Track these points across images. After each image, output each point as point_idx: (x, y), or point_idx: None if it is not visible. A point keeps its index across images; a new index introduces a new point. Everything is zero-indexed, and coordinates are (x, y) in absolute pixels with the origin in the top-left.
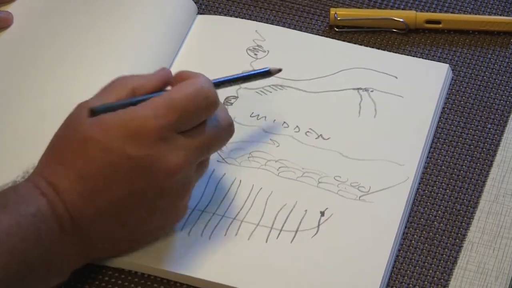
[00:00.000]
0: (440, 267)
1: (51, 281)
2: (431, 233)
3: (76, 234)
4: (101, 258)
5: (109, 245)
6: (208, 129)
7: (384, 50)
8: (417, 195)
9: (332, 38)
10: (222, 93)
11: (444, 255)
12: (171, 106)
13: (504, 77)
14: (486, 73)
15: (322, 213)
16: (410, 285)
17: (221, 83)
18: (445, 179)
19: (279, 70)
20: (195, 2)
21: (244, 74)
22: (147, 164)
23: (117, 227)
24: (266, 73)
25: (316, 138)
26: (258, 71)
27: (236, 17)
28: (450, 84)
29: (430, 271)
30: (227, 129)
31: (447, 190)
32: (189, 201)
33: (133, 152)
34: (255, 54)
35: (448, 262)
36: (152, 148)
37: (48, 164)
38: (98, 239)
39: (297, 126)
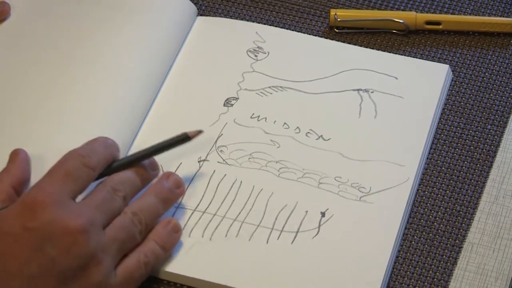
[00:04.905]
0: (440, 268)
1: None
2: (431, 234)
3: None
4: None
5: None
6: (99, 189)
7: (384, 51)
8: (417, 195)
9: (332, 39)
10: (222, 94)
11: (444, 256)
12: (53, 176)
13: (504, 78)
14: (486, 74)
15: (323, 214)
16: (410, 286)
17: (139, 158)
18: (445, 180)
19: (199, 132)
20: (195, 4)
21: (161, 144)
22: (49, 230)
23: None
24: (185, 139)
25: (316, 139)
26: (174, 139)
27: (236, 18)
28: (450, 85)
29: (430, 272)
30: (115, 188)
31: (447, 191)
32: (114, 280)
33: (32, 224)
34: (256, 56)
35: (448, 263)
36: (48, 214)
37: None
38: None
39: (297, 127)
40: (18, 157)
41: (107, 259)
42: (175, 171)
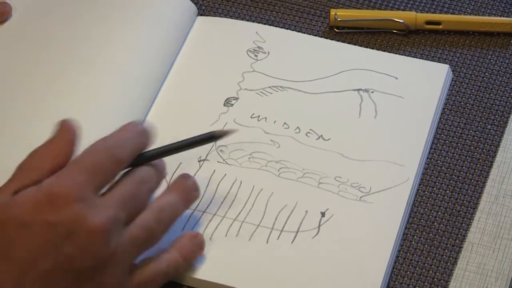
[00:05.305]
0: (440, 268)
1: None
2: (431, 234)
3: None
4: None
5: None
6: (126, 183)
7: (384, 51)
8: (417, 195)
9: (332, 39)
10: (222, 95)
11: (444, 256)
12: (76, 169)
13: (504, 78)
14: (486, 74)
15: (323, 214)
16: (410, 286)
17: (158, 154)
18: (445, 180)
19: (226, 133)
20: (195, 4)
21: (186, 141)
22: (69, 227)
23: None
24: (211, 138)
25: (316, 139)
26: (201, 136)
27: (236, 18)
28: (450, 85)
29: (430, 272)
30: (140, 187)
31: (447, 191)
32: (129, 282)
33: (52, 218)
34: (256, 56)
35: (448, 263)
36: (70, 210)
37: None
38: None
39: (297, 127)
40: (65, 130)
41: (126, 260)
42: (175, 171)
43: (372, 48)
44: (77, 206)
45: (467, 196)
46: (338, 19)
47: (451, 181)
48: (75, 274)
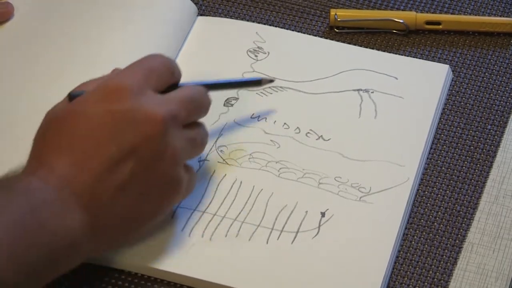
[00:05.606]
0: (440, 268)
1: (60, 264)
2: (431, 234)
3: (77, 203)
4: (105, 245)
5: (112, 220)
6: (184, 89)
7: (384, 51)
8: (417, 196)
9: (332, 39)
10: (222, 95)
11: (444, 256)
12: (138, 68)
13: (504, 78)
14: (486, 74)
15: (323, 214)
16: (410, 286)
17: (211, 86)
18: (445, 180)
19: (271, 81)
20: (196, 4)
21: (235, 80)
22: (131, 115)
23: (116, 194)
24: (257, 82)
25: (316, 139)
26: (251, 79)
27: (236, 18)
28: (450, 85)
29: (430, 272)
30: (203, 96)
31: (447, 191)
32: (185, 176)
33: (115, 107)
34: (256, 56)
35: (448, 263)
36: (133, 101)
37: (35, 156)
38: (99, 208)
39: (297, 127)
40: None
41: (183, 156)
42: None
43: (372, 48)
44: (138, 96)
45: (467, 196)
46: (338, 19)
47: (451, 181)
48: (138, 161)
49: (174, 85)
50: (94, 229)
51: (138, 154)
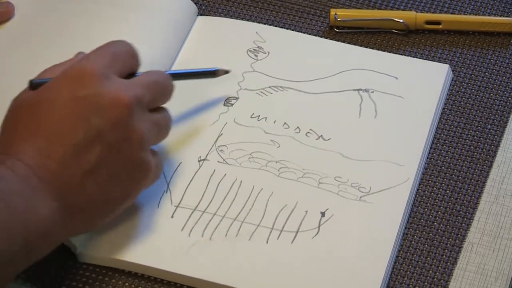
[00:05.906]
0: (440, 267)
1: (34, 252)
2: (431, 234)
3: (47, 190)
4: (80, 228)
5: (84, 204)
6: (149, 73)
7: (384, 51)
8: (417, 195)
9: (332, 38)
10: (223, 95)
11: (444, 256)
12: (102, 52)
13: (504, 77)
14: (486, 73)
15: (323, 214)
16: (410, 285)
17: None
18: (445, 179)
19: (226, 72)
20: (196, 3)
21: (192, 70)
22: (96, 100)
23: (85, 179)
24: (213, 73)
25: (316, 139)
26: (207, 69)
27: (236, 18)
28: (450, 85)
29: (430, 271)
30: (167, 81)
31: (447, 191)
32: (152, 160)
33: (80, 93)
34: (256, 56)
35: (448, 263)
36: (98, 86)
37: (2, 145)
38: (69, 194)
39: (297, 127)
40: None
41: (149, 139)
42: (175, 170)
43: (372, 48)
44: (103, 81)
45: (467, 196)
46: (338, 19)
47: (451, 181)
48: (105, 145)
49: (132, 74)
50: (66, 214)
51: (105, 138)
